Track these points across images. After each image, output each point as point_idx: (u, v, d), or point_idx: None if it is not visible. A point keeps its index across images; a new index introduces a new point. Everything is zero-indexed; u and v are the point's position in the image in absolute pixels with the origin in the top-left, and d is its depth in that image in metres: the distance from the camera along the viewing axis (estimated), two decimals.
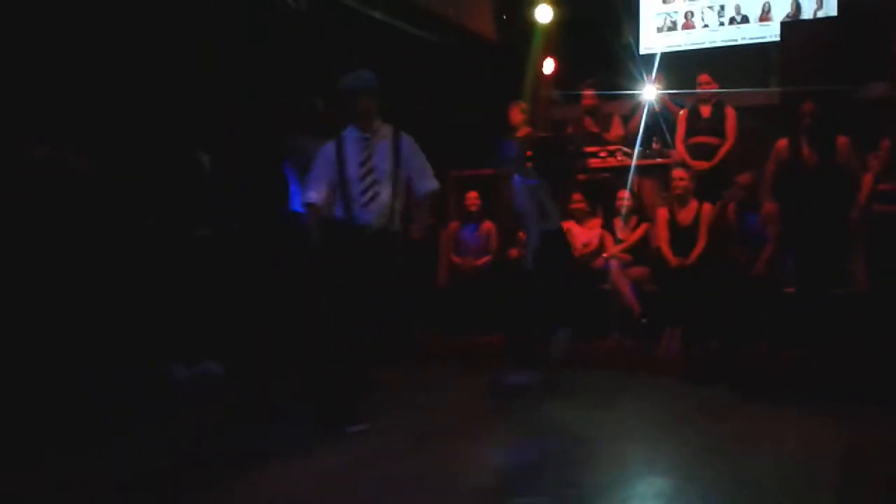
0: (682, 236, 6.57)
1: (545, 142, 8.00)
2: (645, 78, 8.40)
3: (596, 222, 7.23)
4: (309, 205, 4.61)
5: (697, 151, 7.19)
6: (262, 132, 6.62)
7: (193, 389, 5.62)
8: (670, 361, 6.17)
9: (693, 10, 9.93)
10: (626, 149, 7.69)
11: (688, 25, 9.95)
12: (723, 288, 6.16)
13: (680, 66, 8.82)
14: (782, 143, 6.20)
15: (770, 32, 9.28)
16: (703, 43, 9.81)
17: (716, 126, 7.21)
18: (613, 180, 7.48)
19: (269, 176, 6.36)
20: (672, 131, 7.53)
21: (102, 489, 3.66)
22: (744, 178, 6.47)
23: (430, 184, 4.73)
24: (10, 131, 4.95)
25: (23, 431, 4.34)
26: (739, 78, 8.44)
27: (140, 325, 5.48)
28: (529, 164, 5.86)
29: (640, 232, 7.00)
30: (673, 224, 6.66)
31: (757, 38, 9.58)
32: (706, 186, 6.80)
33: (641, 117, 7.88)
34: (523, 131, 7.91)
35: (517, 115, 7.98)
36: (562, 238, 5.82)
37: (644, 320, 6.60)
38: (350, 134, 4.62)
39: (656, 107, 7.89)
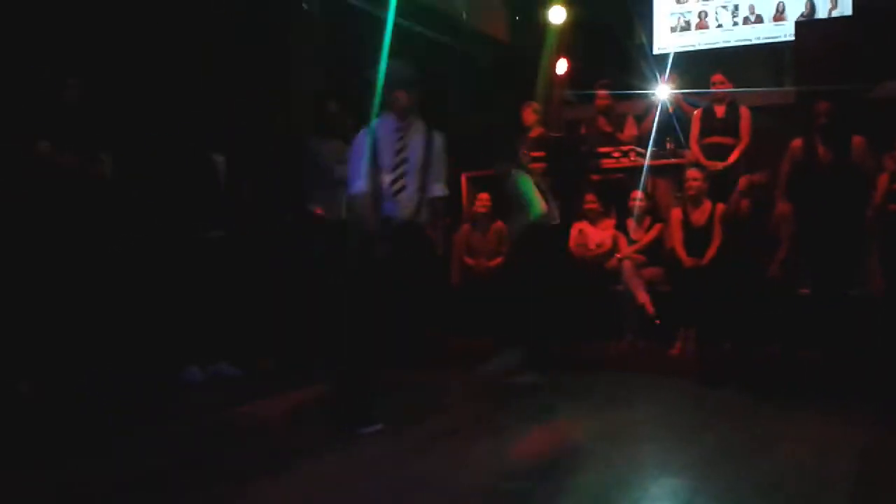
0: (695, 237, 6.54)
1: (558, 142, 8.02)
2: (658, 78, 8.38)
3: (609, 223, 7.20)
4: (357, 195, 4.53)
5: (712, 151, 7.15)
6: (276, 133, 6.64)
7: (207, 390, 5.64)
8: (684, 363, 6.14)
9: (707, 10, 9.91)
10: (639, 149, 7.66)
11: (701, 25, 9.93)
12: (737, 289, 6.12)
13: (694, 65, 8.80)
14: (797, 142, 6.16)
15: (784, 32, 9.26)
16: (717, 43, 9.80)
17: (730, 126, 7.17)
18: (627, 181, 7.44)
19: (282, 177, 6.37)
20: (685, 131, 7.50)
21: (105, 490, 3.68)
22: (744, 180, 6.43)
23: (440, 190, 4.72)
24: (28, 134, 4.99)
25: (31, 432, 4.38)
26: (754, 78, 8.42)
27: (155, 327, 5.51)
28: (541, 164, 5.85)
29: (653, 233, 6.97)
30: (687, 224, 6.63)
31: (771, 37, 9.56)
32: (720, 187, 6.76)
33: (655, 117, 7.85)
34: (536, 132, 7.92)
35: (530, 115, 7.98)
36: (547, 235, 5.78)
37: (658, 322, 6.56)
38: (385, 124, 4.59)
39: (670, 107, 7.86)
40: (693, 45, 9.87)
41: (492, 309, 6.73)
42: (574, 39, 9.43)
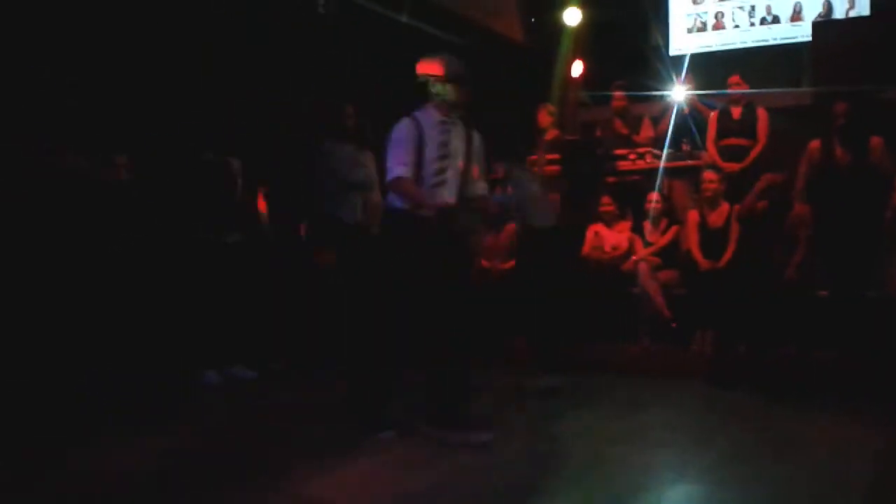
0: (712, 239, 6.51)
1: (573, 144, 8.01)
2: (675, 79, 8.35)
3: (625, 225, 7.18)
4: (399, 179, 4.32)
5: (728, 153, 7.12)
6: (293, 137, 6.66)
7: (223, 393, 5.67)
8: (700, 366, 6.11)
9: (723, 11, 9.88)
10: (655, 151, 7.63)
11: (718, 26, 9.89)
12: (754, 292, 6.09)
13: (710, 67, 8.76)
14: (815, 144, 6.13)
15: (801, 33, 9.21)
16: (734, 44, 9.76)
17: (747, 127, 7.14)
18: (643, 183, 7.42)
19: (300, 181, 6.39)
20: (702, 133, 7.47)
21: (117, 488, 3.71)
22: (765, 178, 6.40)
23: (482, 189, 4.62)
24: (42, 137, 5.03)
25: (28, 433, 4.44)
26: (770, 79, 8.37)
27: (173, 331, 5.54)
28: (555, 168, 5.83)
29: (669, 235, 6.94)
30: (703, 227, 6.60)
31: (788, 38, 9.51)
32: (737, 189, 6.73)
33: (671, 119, 7.82)
34: (551, 134, 7.91)
35: (545, 117, 7.97)
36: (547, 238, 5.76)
37: (673, 325, 6.54)
38: (428, 117, 4.42)
39: (686, 108, 7.82)
40: (709, 46, 9.84)
41: (505, 311, 6.76)
42: (589, 41, 9.41)
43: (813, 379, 5.52)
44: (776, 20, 9.58)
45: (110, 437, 4.45)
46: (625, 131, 7.92)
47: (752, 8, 9.70)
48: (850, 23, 8.71)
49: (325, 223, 6.19)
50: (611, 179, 7.63)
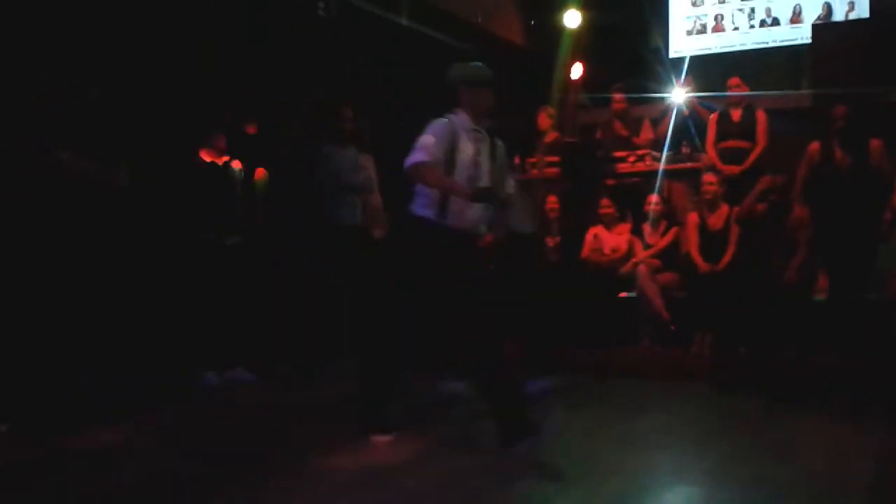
0: (712, 241, 6.52)
1: (573, 147, 8.01)
2: (674, 81, 8.36)
3: (625, 227, 7.17)
4: (422, 164, 4.08)
5: (728, 155, 7.11)
6: (293, 141, 6.66)
7: (224, 393, 5.66)
8: (699, 369, 6.11)
9: (723, 13, 9.88)
10: (655, 153, 7.63)
11: (718, 28, 9.90)
12: (754, 294, 6.09)
13: (710, 69, 8.77)
14: (814, 146, 6.13)
15: (801, 35, 9.22)
16: (734, 46, 9.75)
17: (746, 130, 7.13)
18: (642, 185, 7.43)
19: (301, 184, 6.38)
20: (701, 135, 7.46)
21: (117, 488, 3.71)
22: (766, 180, 6.41)
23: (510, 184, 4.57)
24: (46, 139, 5.02)
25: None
26: (770, 81, 8.38)
27: (174, 333, 5.54)
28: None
29: (669, 237, 6.94)
30: (703, 229, 6.61)
31: (788, 40, 9.51)
32: (737, 191, 6.74)
33: (671, 121, 7.82)
34: (551, 136, 7.91)
35: (545, 119, 7.98)
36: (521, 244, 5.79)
37: (673, 327, 6.53)
38: (461, 122, 4.30)
39: (685, 110, 7.83)
40: (709, 49, 9.84)
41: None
42: (589, 43, 9.42)
43: (812, 381, 5.53)
44: (776, 22, 9.58)
45: (110, 437, 4.46)
46: (624, 133, 7.92)
47: (752, 10, 9.70)
48: (850, 25, 8.73)
49: (324, 225, 6.20)
50: (610, 181, 7.63)
